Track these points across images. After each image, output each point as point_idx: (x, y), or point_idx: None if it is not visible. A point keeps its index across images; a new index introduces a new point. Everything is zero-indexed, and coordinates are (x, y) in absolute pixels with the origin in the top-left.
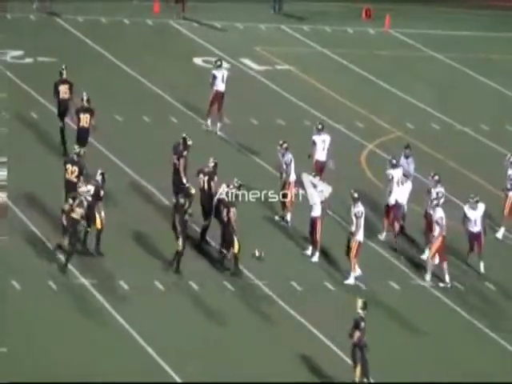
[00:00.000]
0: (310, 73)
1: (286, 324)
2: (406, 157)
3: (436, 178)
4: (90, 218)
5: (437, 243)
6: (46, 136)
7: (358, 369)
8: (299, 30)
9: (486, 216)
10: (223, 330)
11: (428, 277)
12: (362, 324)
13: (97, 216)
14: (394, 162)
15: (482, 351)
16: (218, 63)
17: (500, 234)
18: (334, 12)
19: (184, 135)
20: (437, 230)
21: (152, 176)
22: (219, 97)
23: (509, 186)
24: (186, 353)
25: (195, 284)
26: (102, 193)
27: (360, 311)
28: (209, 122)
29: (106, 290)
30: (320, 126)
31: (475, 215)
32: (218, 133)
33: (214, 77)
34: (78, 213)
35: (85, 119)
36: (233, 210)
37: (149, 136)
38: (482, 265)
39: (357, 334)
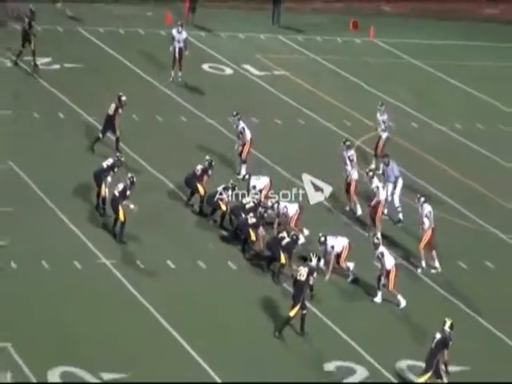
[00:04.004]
0: (303, 77)
1: (287, 303)
2: (387, 164)
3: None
4: (114, 210)
5: (427, 235)
6: (71, 133)
7: (429, 375)
8: (294, 40)
9: None
10: (229, 304)
11: (423, 263)
12: (450, 343)
13: (120, 210)
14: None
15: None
16: (179, 26)
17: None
18: (325, 24)
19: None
20: (426, 224)
21: (165, 169)
22: (180, 54)
23: (382, 127)
24: (196, 325)
25: (203, 263)
26: (128, 193)
27: (448, 330)
28: (172, 73)
29: (125, 268)
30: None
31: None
32: (179, 79)
33: (174, 37)
34: None
35: None
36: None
37: (161, 133)
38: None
39: (445, 352)
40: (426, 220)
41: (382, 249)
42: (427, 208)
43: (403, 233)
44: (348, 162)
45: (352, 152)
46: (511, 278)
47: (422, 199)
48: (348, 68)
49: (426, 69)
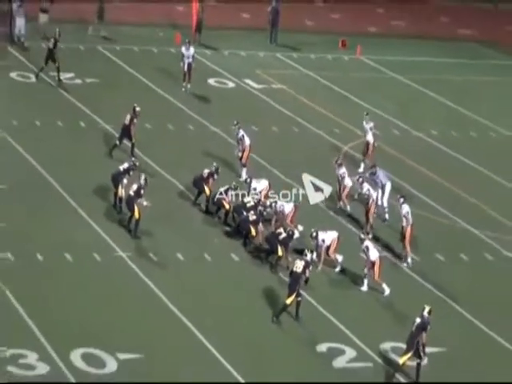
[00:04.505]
0: (298, 90)
1: (283, 291)
2: (374, 173)
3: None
4: (129, 208)
5: (408, 232)
6: (91, 140)
7: (409, 355)
8: (290, 57)
9: None
10: (231, 292)
11: (409, 260)
12: (428, 327)
13: (135, 208)
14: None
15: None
16: (187, 44)
17: None
18: (317, 42)
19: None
20: (405, 223)
21: (175, 171)
22: (189, 68)
23: (369, 134)
24: (202, 310)
25: (208, 255)
26: (142, 192)
27: (427, 315)
28: (184, 84)
29: (139, 260)
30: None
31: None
32: (188, 91)
33: (183, 54)
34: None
35: None
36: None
37: (172, 140)
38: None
39: (424, 335)
40: (404, 219)
41: (367, 243)
42: (405, 208)
43: (388, 229)
44: (340, 178)
45: (343, 170)
46: (483, 269)
47: (402, 200)
48: (337, 82)
49: (407, 83)
